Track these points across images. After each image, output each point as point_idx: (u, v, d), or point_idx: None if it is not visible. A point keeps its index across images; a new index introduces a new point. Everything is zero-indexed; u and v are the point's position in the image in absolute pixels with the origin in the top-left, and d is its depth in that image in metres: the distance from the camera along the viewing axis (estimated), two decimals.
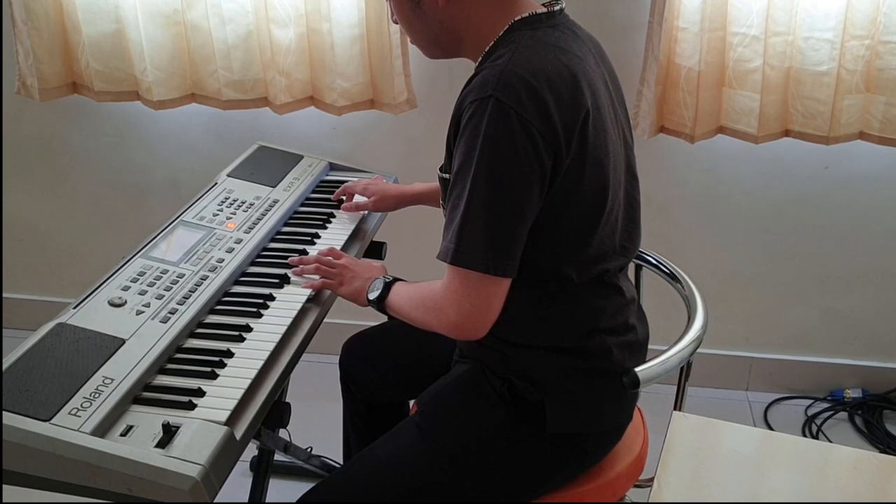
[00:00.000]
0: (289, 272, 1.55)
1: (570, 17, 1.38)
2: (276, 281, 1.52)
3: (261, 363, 1.30)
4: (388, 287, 1.44)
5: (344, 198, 1.84)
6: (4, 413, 1.10)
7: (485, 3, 1.31)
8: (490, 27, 1.31)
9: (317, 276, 1.52)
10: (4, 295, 2.80)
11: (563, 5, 1.36)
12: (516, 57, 1.24)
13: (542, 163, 1.22)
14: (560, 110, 1.22)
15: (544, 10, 1.32)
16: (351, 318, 1.96)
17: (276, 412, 1.34)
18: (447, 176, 1.31)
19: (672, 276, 1.69)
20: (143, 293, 1.40)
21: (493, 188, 1.22)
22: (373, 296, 1.44)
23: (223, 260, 1.53)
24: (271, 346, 1.34)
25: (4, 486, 1.13)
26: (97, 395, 1.15)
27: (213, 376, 1.26)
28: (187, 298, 1.40)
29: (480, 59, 1.33)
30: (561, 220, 1.29)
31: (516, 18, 1.31)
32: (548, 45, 1.27)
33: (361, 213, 1.82)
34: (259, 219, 1.69)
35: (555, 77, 1.23)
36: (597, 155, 1.28)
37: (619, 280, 1.42)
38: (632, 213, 1.43)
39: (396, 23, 1.42)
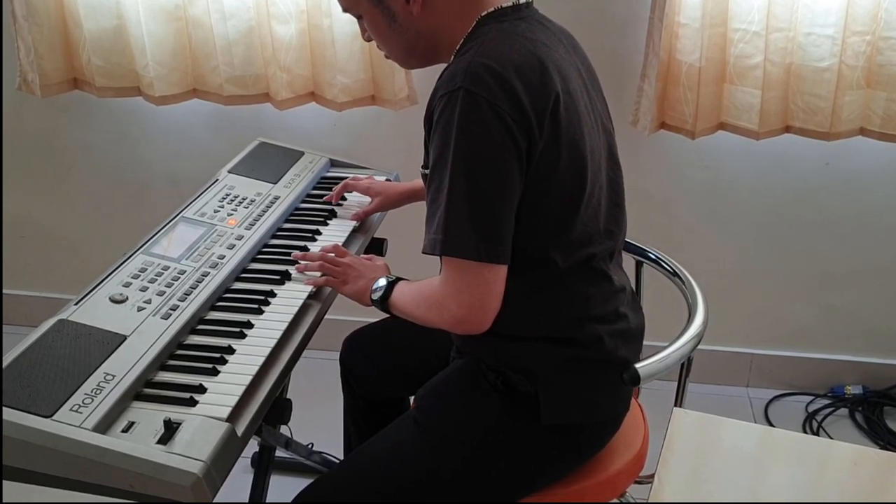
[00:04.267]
0: (290, 269, 1.54)
1: (540, 12, 1.40)
2: (278, 277, 1.52)
3: (262, 360, 1.30)
4: (391, 287, 1.43)
5: (343, 201, 1.84)
6: (6, 409, 1.10)
7: (454, 4, 1.33)
8: (460, 27, 1.34)
9: (318, 273, 1.52)
10: (5, 291, 2.81)
11: None
12: (482, 48, 1.26)
13: (518, 145, 1.23)
14: (529, 95, 1.24)
15: (510, 3, 1.34)
16: (352, 315, 1.96)
17: (278, 409, 1.35)
18: (427, 171, 1.32)
19: (673, 273, 1.69)
20: (144, 289, 1.40)
21: (473, 175, 1.23)
22: (376, 296, 1.44)
23: (224, 256, 1.53)
24: (272, 343, 1.34)
25: (6, 483, 1.13)
26: (99, 392, 1.16)
27: (215, 373, 1.26)
28: (188, 295, 1.41)
29: (452, 58, 1.34)
30: (542, 204, 1.29)
31: (482, 14, 1.33)
32: (514, 35, 1.30)
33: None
34: (260, 215, 1.69)
35: (522, 64, 1.25)
36: (571, 137, 1.29)
37: (607, 267, 1.42)
38: (615, 197, 1.44)
39: (369, 40, 1.44)
